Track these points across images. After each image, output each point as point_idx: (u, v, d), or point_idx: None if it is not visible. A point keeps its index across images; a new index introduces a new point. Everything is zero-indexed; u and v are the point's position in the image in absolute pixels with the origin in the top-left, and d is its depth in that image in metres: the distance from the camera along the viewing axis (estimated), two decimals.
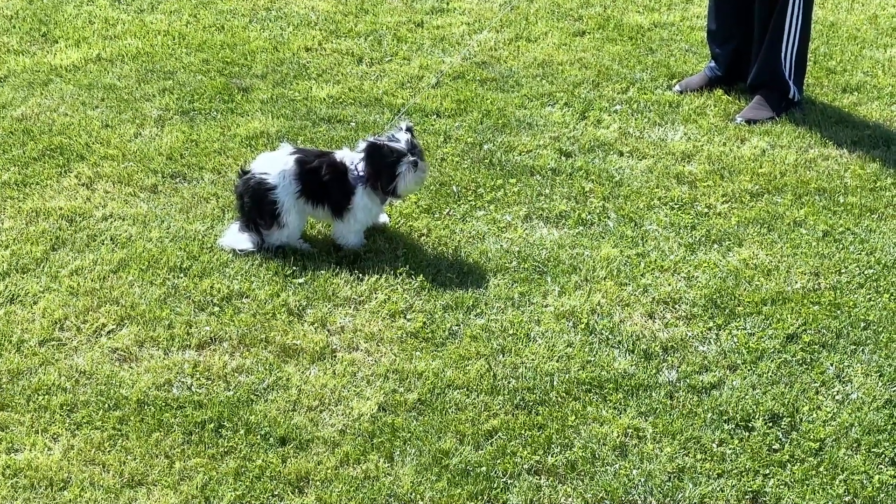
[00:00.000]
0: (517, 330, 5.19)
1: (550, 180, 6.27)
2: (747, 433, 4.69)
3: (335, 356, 5.05)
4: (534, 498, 4.41)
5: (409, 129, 5.59)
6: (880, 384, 4.93)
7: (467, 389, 4.88)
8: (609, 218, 5.96)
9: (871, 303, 5.37)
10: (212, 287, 5.39)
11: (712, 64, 7.27)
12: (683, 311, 5.32)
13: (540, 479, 4.50)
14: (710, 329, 5.22)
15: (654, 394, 4.87)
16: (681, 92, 7.18)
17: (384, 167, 5.53)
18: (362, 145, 5.61)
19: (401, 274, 5.48)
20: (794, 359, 5.05)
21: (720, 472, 4.53)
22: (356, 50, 7.72)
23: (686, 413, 4.78)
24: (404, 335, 5.16)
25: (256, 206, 5.60)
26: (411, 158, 5.52)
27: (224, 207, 5.95)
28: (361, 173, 5.59)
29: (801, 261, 5.65)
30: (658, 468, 4.53)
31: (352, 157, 5.64)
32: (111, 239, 5.71)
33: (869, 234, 5.85)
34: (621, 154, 6.54)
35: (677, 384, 4.92)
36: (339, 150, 5.75)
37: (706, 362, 5.03)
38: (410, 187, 5.62)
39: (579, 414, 4.76)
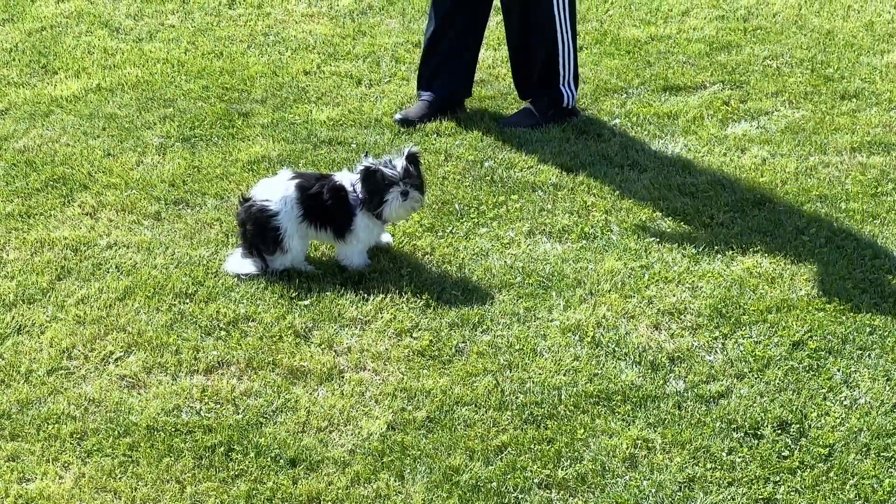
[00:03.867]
0: (523, 345, 5.20)
1: (552, 195, 6.29)
2: (756, 441, 4.69)
3: (343, 376, 5.06)
4: None
5: (411, 157, 5.59)
6: (888, 388, 4.93)
7: (475, 406, 4.89)
8: (612, 231, 5.97)
9: (876, 307, 5.38)
10: (218, 311, 5.40)
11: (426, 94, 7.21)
12: (689, 321, 5.33)
13: (551, 492, 4.50)
14: (715, 338, 5.22)
15: (662, 405, 4.87)
16: (400, 121, 7.09)
17: (375, 192, 5.55)
18: (360, 167, 5.62)
19: (406, 293, 5.50)
20: (800, 365, 5.05)
21: (730, 480, 4.53)
22: (355, 72, 7.75)
23: (695, 423, 4.78)
24: (411, 353, 5.17)
25: (259, 232, 5.61)
26: (401, 188, 5.54)
27: (228, 232, 5.97)
28: (361, 195, 5.60)
29: (804, 268, 5.66)
30: (668, 479, 4.53)
31: (351, 179, 5.65)
32: (116, 267, 5.73)
33: (872, 239, 5.86)
34: (622, 167, 6.56)
35: (685, 394, 4.92)
36: (339, 172, 5.77)
37: (713, 371, 5.04)
38: (399, 214, 5.63)
39: (588, 427, 4.77)
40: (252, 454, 4.65)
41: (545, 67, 6.99)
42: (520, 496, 4.47)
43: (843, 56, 7.81)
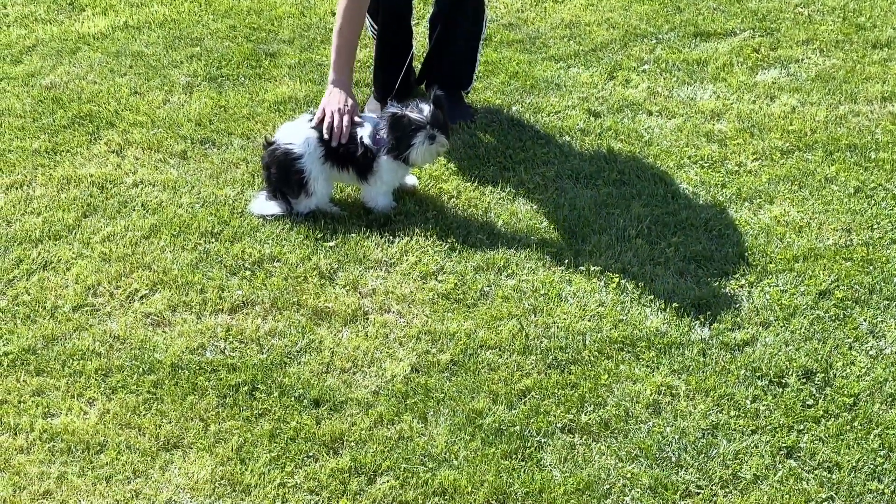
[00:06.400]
0: (548, 290, 5.19)
1: (579, 140, 6.25)
2: (781, 389, 4.68)
3: (367, 318, 5.06)
4: (568, 456, 4.42)
5: (437, 101, 5.56)
6: None
7: (500, 349, 4.89)
8: (639, 177, 5.94)
9: None
10: (243, 251, 5.40)
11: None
12: (715, 268, 5.31)
13: (574, 437, 4.51)
14: (741, 286, 5.20)
15: (686, 351, 4.86)
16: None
17: (402, 136, 5.52)
18: (386, 112, 5.59)
19: (431, 236, 5.49)
20: (826, 315, 5.03)
21: (754, 428, 4.53)
22: None
23: (719, 370, 4.77)
24: (436, 296, 5.17)
25: (284, 176, 5.60)
26: (429, 132, 5.52)
27: (254, 172, 5.96)
28: (385, 139, 5.57)
29: (832, 217, 5.63)
30: (692, 425, 4.53)
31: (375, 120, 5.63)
32: (142, 205, 5.74)
33: None
34: (650, 113, 6.52)
35: (710, 342, 4.91)
36: (362, 113, 5.74)
37: (739, 319, 5.02)
38: (425, 158, 5.60)
39: (612, 372, 4.77)
40: (276, 394, 4.67)
41: (467, 55, 6.60)
42: (543, 440, 4.48)
43: (875, 4, 7.72)
